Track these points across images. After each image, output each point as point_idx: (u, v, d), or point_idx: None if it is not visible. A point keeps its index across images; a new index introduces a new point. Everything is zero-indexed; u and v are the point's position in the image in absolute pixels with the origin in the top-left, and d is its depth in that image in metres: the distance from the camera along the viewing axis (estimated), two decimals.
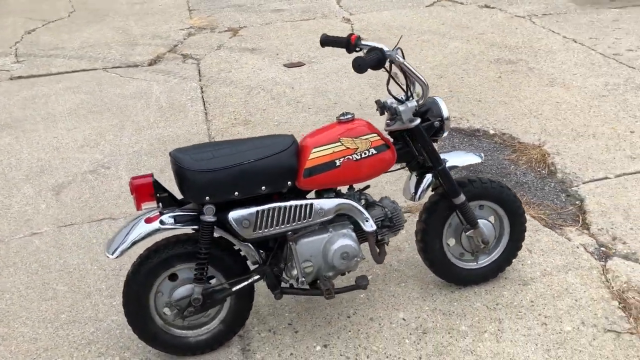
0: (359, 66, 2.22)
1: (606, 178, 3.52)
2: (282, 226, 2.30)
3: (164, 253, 2.29)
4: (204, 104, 4.87)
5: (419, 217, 2.63)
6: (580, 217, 3.19)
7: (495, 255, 2.71)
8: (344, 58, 5.61)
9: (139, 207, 2.27)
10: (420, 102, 2.41)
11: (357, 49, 2.44)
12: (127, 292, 2.32)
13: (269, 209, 2.27)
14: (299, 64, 5.62)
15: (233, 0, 7.95)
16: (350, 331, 2.55)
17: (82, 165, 4.00)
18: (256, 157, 2.24)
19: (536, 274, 2.81)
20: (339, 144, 2.32)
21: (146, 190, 2.25)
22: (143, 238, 2.24)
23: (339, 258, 2.37)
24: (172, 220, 2.25)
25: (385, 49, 2.31)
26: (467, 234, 2.61)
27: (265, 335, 2.55)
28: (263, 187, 2.26)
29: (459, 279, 2.73)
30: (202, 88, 5.20)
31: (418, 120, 2.40)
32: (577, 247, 2.96)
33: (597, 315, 2.56)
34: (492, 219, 2.66)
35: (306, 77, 5.31)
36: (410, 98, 2.42)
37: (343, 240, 2.37)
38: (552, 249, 2.96)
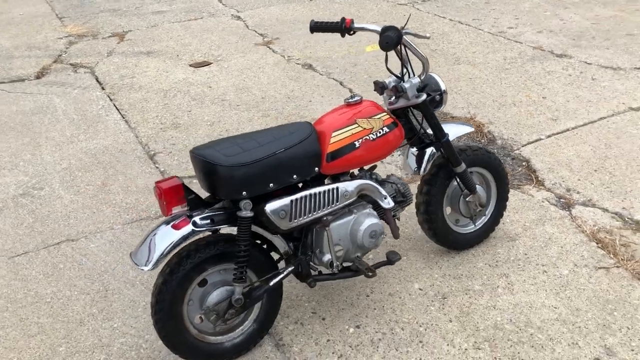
0: (387, 44, 2.24)
1: (539, 139, 3.88)
2: (314, 213, 2.26)
3: (196, 257, 2.15)
4: (120, 112, 4.57)
5: (420, 191, 2.72)
6: (533, 176, 3.50)
7: (487, 217, 2.89)
8: (252, 54, 5.57)
9: (168, 212, 2.11)
10: (423, 77, 2.50)
11: (351, 32, 2.46)
12: (159, 304, 2.14)
13: (301, 198, 2.22)
14: (206, 63, 5.47)
15: (105, 5, 7.51)
16: (375, 309, 2.58)
17: (8, 190, 3.57)
18: (285, 146, 2.18)
19: (519, 229, 3.04)
20: (355, 125, 2.33)
21: (176, 193, 2.09)
22: (179, 244, 2.09)
23: (368, 237, 2.38)
24: (207, 222, 2.12)
25: (380, 28, 2.31)
26: (467, 199, 2.75)
27: (294, 327, 2.50)
28: (294, 176, 2.21)
29: (458, 244, 2.87)
30: (109, 96, 4.86)
31: (424, 96, 2.48)
32: (543, 202, 3.25)
33: (584, 256, 2.84)
34: (482, 183, 2.84)
35: (219, 75, 5.18)
36: (412, 75, 2.49)
37: (369, 219, 2.39)
38: (522, 207, 3.21)
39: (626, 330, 2.42)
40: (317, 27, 2.50)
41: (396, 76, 2.47)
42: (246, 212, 2.14)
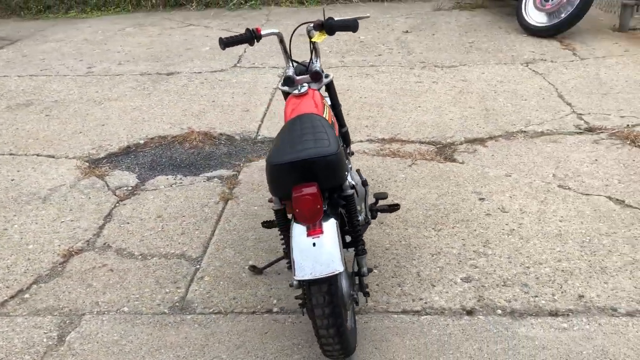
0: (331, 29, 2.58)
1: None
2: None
3: None
4: None
5: None
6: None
7: None
8: None
9: (312, 221, 2.03)
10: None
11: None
12: (334, 317, 2.05)
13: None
14: None
15: None
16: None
17: None
18: (332, 131, 2.29)
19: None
20: (326, 110, 2.54)
21: (318, 200, 2.02)
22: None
23: (362, 187, 2.66)
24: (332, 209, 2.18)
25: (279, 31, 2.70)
26: None
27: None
28: None
29: None
30: None
31: (331, 75, 2.69)
32: None
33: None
34: None
35: None
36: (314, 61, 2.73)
37: (356, 175, 2.71)
38: None
39: None
40: (229, 42, 2.64)
41: (300, 63, 2.77)
42: (350, 190, 2.23)
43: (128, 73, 5.47)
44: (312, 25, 2.75)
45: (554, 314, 2.42)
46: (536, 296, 2.52)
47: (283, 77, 2.77)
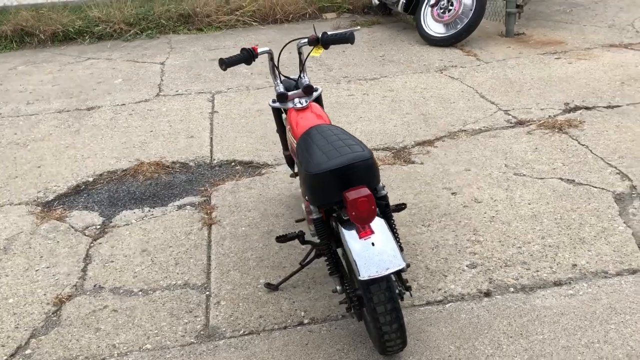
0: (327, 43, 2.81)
1: None
2: None
3: None
4: None
5: None
6: None
7: None
8: None
9: (369, 221, 2.11)
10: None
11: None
12: (396, 312, 2.16)
13: None
14: None
15: None
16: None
17: None
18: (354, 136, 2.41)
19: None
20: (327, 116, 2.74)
21: (373, 201, 2.09)
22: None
23: None
24: (383, 220, 2.21)
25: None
26: None
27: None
28: None
29: None
30: None
31: (320, 88, 2.88)
32: None
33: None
34: None
35: None
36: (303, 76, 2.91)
37: None
38: None
39: None
40: (230, 62, 2.74)
41: (290, 79, 3.00)
42: (384, 190, 2.33)
43: (43, 112, 5.13)
44: (305, 41, 2.85)
45: (558, 283, 2.69)
46: (537, 271, 2.78)
47: (277, 94, 2.82)
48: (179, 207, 3.54)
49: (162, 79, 5.81)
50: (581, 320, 2.46)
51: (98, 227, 3.40)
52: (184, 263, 3.02)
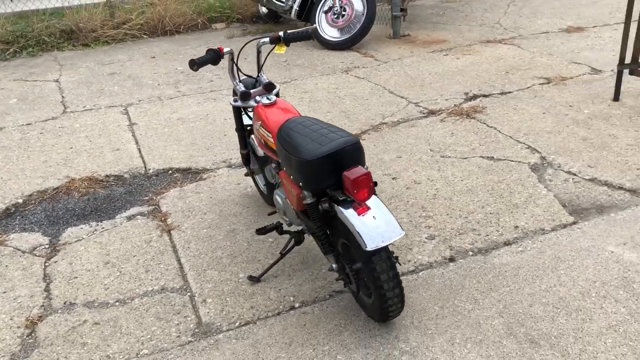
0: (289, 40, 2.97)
1: None
2: None
3: None
4: None
5: None
6: None
7: None
8: None
9: (369, 197, 2.26)
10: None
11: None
12: (397, 277, 2.34)
13: None
14: None
15: None
16: None
17: None
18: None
19: None
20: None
21: (371, 178, 2.26)
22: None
23: None
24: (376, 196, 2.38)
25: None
26: None
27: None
28: None
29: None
30: None
31: (278, 86, 3.08)
32: None
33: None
34: None
35: None
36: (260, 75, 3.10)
37: None
38: None
39: None
40: (200, 63, 2.85)
41: (250, 77, 3.15)
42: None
43: None
44: (266, 40, 2.97)
45: (508, 243, 3.04)
46: (487, 235, 3.12)
47: (239, 93, 2.91)
48: (129, 218, 3.48)
49: (63, 96, 5.56)
50: (535, 270, 2.82)
51: (46, 246, 3.25)
52: (155, 269, 3.00)
